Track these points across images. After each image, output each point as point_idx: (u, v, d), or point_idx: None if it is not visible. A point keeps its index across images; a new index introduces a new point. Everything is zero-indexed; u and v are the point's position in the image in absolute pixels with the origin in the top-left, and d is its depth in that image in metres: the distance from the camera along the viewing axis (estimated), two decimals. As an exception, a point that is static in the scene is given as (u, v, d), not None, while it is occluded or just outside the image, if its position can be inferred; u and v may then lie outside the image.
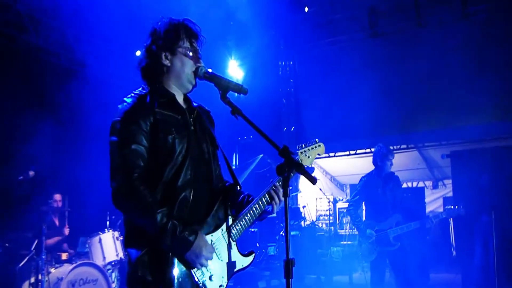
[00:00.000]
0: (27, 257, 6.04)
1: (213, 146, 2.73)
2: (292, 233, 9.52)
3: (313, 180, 2.21)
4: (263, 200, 2.66)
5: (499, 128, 11.05)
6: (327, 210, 13.50)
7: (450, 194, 11.54)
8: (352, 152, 13.93)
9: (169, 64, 2.59)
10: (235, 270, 2.60)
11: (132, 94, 2.54)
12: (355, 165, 14.91)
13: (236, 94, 2.59)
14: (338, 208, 13.54)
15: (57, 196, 7.32)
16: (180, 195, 2.42)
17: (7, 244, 6.27)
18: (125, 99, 2.52)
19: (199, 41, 2.74)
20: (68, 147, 7.88)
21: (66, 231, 7.11)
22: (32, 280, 5.80)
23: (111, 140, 2.42)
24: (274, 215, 2.77)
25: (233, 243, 2.62)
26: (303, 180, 13.67)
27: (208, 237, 2.48)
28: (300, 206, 11.72)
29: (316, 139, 3.15)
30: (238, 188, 2.72)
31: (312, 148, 3.09)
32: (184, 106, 2.65)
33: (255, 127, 2.39)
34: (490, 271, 5.53)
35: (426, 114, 11.77)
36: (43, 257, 5.77)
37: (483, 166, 8.62)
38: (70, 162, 7.84)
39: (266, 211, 2.68)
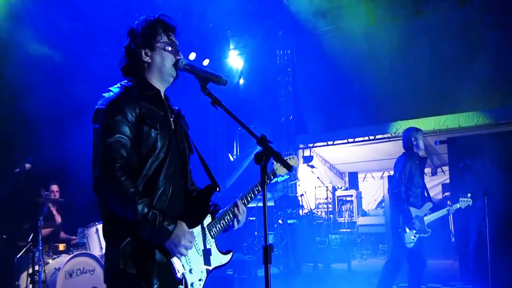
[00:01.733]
0: (24, 249, 6.08)
1: (189, 150, 2.77)
2: (290, 221, 9.57)
3: (289, 167, 2.25)
4: (229, 214, 2.78)
5: (495, 114, 11.07)
6: (326, 198, 13.55)
7: (448, 181, 11.58)
8: (350, 140, 13.94)
9: (149, 60, 2.62)
10: (213, 266, 2.68)
11: (119, 85, 2.56)
12: (353, 153, 14.96)
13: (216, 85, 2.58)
14: (337, 196, 13.60)
15: (54, 187, 7.39)
16: (160, 190, 2.45)
17: (4, 236, 6.34)
18: (111, 88, 2.54)
19: (176, 34, 2.77)
20: (65, 137, 7.91)
21: (58, 218, 7.22)
22: (30, 271, 5.85)
23: (94, 127, 2.43)
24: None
25: (212, 241, 2.69)
26: (301, 169, 13.72)
27: None
28: (298, 195, 11.77)
29: (289, 152, 3.33)
30: (218, 189, 2.76)
31: (288, 159, 3.22)
32: (165, 103, 2.69)
33: (233, 117, 2.41)
34: (484, 256, 5.56)
35: (424, 101, 11.80)
36: (40, 248, 5.82)
37: (479, 152, 8.65)
38: (67, 153, 7.90)
39: (229, 227, 2.82)
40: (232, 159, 14.77)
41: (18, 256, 6.13)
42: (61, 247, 6.71)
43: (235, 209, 2.78)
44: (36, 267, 5.81)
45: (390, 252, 6.14)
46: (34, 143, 7.90)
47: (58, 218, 7.32)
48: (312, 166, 12.29)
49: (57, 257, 6.35)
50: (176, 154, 2.61)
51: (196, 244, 2.57)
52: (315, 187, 14.17)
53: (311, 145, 14.60)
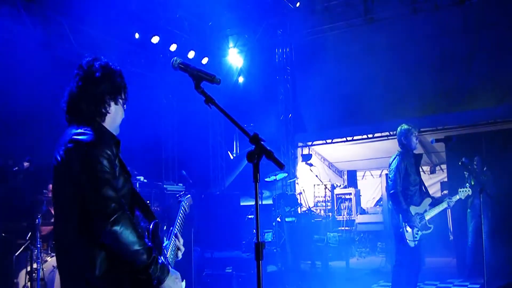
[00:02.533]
0: (23, 247, 6.11)
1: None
2: (288, 219, 9.58)
3: (281, 165, 2.27)
4: (173, 245, 2.98)
5: (493, 113, 11.11)
6: (324, 197, 13.59)
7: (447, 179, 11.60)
8: (349, 138, 13.98)
9: (110, 112, 2.58)
10: None
11: (88, 131, 2.40)
12: (352, 151, 15.00)
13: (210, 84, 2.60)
14: (336, 194, 13.63)
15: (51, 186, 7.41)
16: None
17: (3, 234, 6.37)
18: (85, 132, 2.39)
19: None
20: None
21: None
22: (28, 268, 5.88)
23: (82, 163, 2.31)
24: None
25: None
26: (300, 167, 13.76)
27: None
28: (297, 193, 11.80)
29: (184, 192, 3.81)
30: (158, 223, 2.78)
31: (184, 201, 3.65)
32: None
33: (227, 115, 2.43)
34: (480, 253, 5.58)
35: (422, 99, 11.82)
36: (39, 246, 5.85)
37: (477, 151, 8.69)
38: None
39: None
40: (231, 157, 14.79)
41: (16, 254, 6.16)
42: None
43: (176, 240, 2.99)
44: (35, 265, 5.84)
45: (395, 254, 6.10)
46: (32, 141, 7.92)
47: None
48: (311, 165, 12.32)
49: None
50: (133, 199, 2.63)
51: None
52: (314, 185, 14.21)
53: (309, 143, 14.63)
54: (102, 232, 2.23)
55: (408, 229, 5.72)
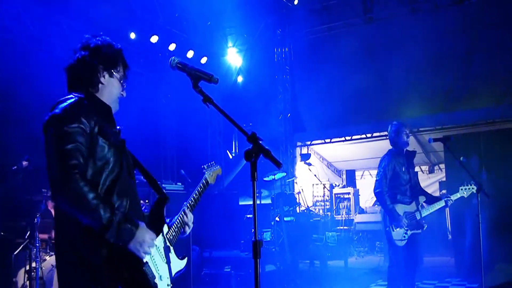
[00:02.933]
0: (21, 246, 6.12)
1: (134, 165, 2.83)
2: (286, 218, 9.60)
3: (279, 164, 2.29)
4: (178, 222, 2.93)
5: (492, 113, 11.13)
6: (323, 196, 13.61)
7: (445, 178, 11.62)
8: (348, 138, 13.99)
9: (104, 83, 2.65)
10: (175, 272, 2.79)
11: (72, 96, 2.54)
12: (351, 150, 15.02)
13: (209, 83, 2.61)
14: (335, 194, 13.64)
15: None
16: (116, 204, 2.48)
17: (2, 233, 6.37)
18: (67, 97, 2.53)
19: (127, 73, 2.80)
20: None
21: None
22: (27, 267, 5.88)
23: (49, 131, 2.41)
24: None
25: (171, 248, 2.81)
26: (299, 167, 13.77)
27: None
28: (296, 192, 11.81)
29: (213, 162, 3.51)
30: (167, 201, 2.86)
31: (212, 172, 3.43)
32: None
33: (225, 114, 2.45)
34: (478, 253, 5.59)
35: (420, 99, 11.84)
36: (37, 245, 5.86)
37: (475, 150, 8.71)
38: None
39: (182, 233, 2.96)
40: (230, 156, 14.80)
41: (15, 253, 6.16)
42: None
43: (184, 216, 2.95)
44: (34, 264, 5.85)
45: (388, 254, 6.10)
46: (31, 140, 7.92)
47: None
48: (310, 164, 12.33)
49: (54, 253, 6.38)
50: (128, 170, 2.65)
51: (160, 252, 2.68)
52: (313, 185, 14.23)
53: (308, 142, 14.65)
54: (55, 198, 2.38)
55: (395, 229, 5.71)
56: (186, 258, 2.91)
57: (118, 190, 2.49)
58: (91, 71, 2.63)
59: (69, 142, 2.34)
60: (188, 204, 3.03)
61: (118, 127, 2.72)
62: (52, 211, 7.39)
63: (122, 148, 2.62)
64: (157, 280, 2.51)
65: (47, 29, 9.13)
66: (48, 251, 6.44)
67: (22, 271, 6.13)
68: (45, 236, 6.44)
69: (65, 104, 2.46)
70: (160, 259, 2.64)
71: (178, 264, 2.84)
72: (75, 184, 2.28)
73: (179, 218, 2.91)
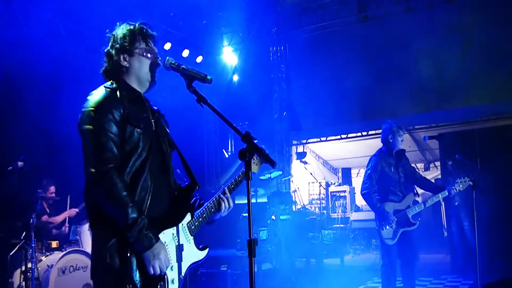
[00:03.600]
0: (17, 246, 6.12)
1: (170, 148, 2.87)
2: (282, 217, 9.61)
3: (273, 163, 2.31)
4: (212, 205, 2.85)
5: (486, 110, 11.18)
6: (319, 194, 13.63)
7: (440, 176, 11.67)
8: (343, 136, 14.01)
9: (127, 65, 2.71)
10: (191, 262, 2.76)
11: (102, 87, 2.63)
12: (347, 149, 15.05)
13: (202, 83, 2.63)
14: (331, 192, 13.67)
15: (52, 188, 7.43)
16: (141, 187, 2.53)
17: (-2, 234, 6.38)
18: (95, 91, 2.62)
19: (155, 41, 2.83)
20: (59, 134, 7.95)
21: (59, 218, 7.32)
22: (23, 268, 5.89)
23: (83, 129, 2.49)
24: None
25: (191, 238, 2.78)
26: (295, 165, 13.79)
27: (170, 231, 2.63)
28: (292, 191, 11.83)
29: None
30: (197, 187, 2.86)
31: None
32: (147, 105, 2.79)
33: (219, 114, 2.46)
34: (474, 250, 5.62)
35: (415, 97, 11.87)
36: (33, 245, 5.86)
37: (470, 148, 8.75)
38: (60, 150, 7.93)
39: (213, 219, 2.90)
40: (227, 155, 14.80)
41: (11, 253, 6.17)
42: (54, 244, 6.75)
43: (224, 196, 2.87)
44: (29, 264, 5.86)
45: (381, 254, 6.09)
46: (27, 140, 7.93)
47: (59, 218, 7.39)
48: (305, 162, 12.36)
49: (50, 254, 6.39)
50: (158, 153, 2.69)
51: (176, 241, 2.66)
52: (309, 183, 14.26)
53: (304, 141, 14.68)
54: (87, 190, 2.47)
55: (385, 227, 5.69)
56: (208, 249, 2.87)
57: (146, 174, 2.55)
58: (112, 60, 2.72)
59: (102, 135, 2.44)
60: (228, 185, 2.96)
61: (155, 108, 2.82)
62: (47, 211, 7.41)
63: (153, 131, 2.68)
64: (167, 270, 2.51)
65: (43, 29, 9.11)
66: (44, 251, 6.45)
67: (18, 271, 6.14)
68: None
69: (93, 97, 2.55)
70: (173, 249, 2.62)
71: (196, 255, 2.80)
72: (110, 178, 2.38)
73: (213, 201, 2.86)
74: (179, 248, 2.66)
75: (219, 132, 14.66)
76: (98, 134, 2.44)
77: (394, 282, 5.86)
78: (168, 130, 2.90)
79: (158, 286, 2.47)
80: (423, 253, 9.77)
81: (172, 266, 2.57)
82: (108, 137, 2.44)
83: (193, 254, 2.77)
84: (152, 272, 2.43)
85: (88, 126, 2.47)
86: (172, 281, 2.56)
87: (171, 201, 2.75)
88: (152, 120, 2.73)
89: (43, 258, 6.27)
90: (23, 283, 5.90)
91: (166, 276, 2.50)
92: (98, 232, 2.52)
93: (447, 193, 5.74)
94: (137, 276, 2.41)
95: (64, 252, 6.16)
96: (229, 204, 2.87)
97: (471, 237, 5.80)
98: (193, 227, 2.78)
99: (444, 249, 10.37)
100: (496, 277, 5.75)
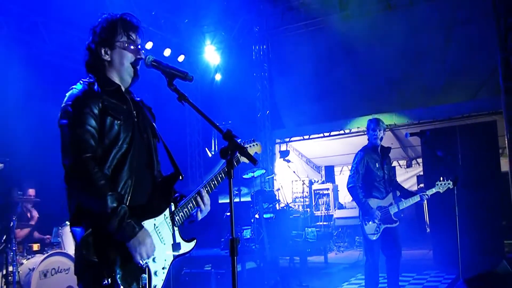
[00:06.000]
0: (-2, 249, 6.03)
1: (154, 138, 2.83)
2: (266, 215, 9.61)
3: (254, 161, 2.31)
4: (192, 203, 2.80)
5: (467, 107, 11.32)
6: (302, 192, 13.66)
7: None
8: (326, 134, 14.06)
9: (108, 59, 2.67)
10: (177, 254, 2.70)
11: (81, 81, 2.61)
12: (330, 147, 15.10)
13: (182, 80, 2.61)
14: (314, 190, 13.71)
15: (31, 191, 7.35)
16: (123, 180, 2.50)
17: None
18: (74, 86, 2.60)
19: (139, 33, 2.77)
20: (40, 137, 7.85)
21: (35, 216, 7.21)
22: (4, 272, 5.79)
23: (62, 123, 2.48)
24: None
25: (175, 228, 2.72)
26: (278, 164, 13.80)
27: (151, 221, 2.57)
28: (275, 189, 11.83)
29: (253, 139, 3.32)
30: (180, 178, 2.80)
31: (250, 146, 3.28)
32: (127, 97, 2.74)
33: (200, 112, 2.45)
34: (456, 245, 5.69)
35: (397, 95, 11.98)
36: (14, 248, 5.77)
37: (451, 144, 8.84)
38: (40, 151, 7.83)
39: (192, 216, 2.81)
40: (210, 154, 14.76)
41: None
42: (35, 247, 6.64)
43: (198, 197, 2.81)
44: (10, 268, 5.77)
45: (363, 250, 6.16)
46: (6, 142, 7.81)
47: (35, 216, 7.29)
48: (289, 161, 12.38)
49: (32, 257, 6.29)
50: (140, 145, 2.66)
51: (159, 233, 2.60)
52: (292, 181, 14.28)
53: (287, 139, 14.70)
54: (67, 181, 2.42)
55: (367, 223, 5.77)
56: (195, 240, 2.81)
57: (127, 167, 2.51)
58: (93, 52, 2.69)
59: (80, 127, 2.42)
60: (207, 184, 2.91)
61: (137, 99, 2.80)
62: (31, 212, 7.32)
63: (134, 123, 2.65)
64: (149, 262, 2.47)
65: (23, 28, 9.01)
66: (25, 254, 6.36)
67: (-1, 275, 6.03)
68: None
69: (71, 93, 2.55)
70: (157, 240, 2.56)
71: (182, 246, 2.74)
72: (87, 169, 2.35)
73: (192, 198, 2.80)
74: (162, 240, 2.61)
75: (202, 131, 14.61)
76: (74, 127, 2.42)
77: (377, 278, 5.92)
78: (153, 121, 2.86)
79: (141, 279, 2.43)
80: (405, 249, 9.86)
81: (154, 258, 2.51)
82: (85, 130, 2.42)
83: (177, 246, 2.71)
84: (139, 260, 2.39)
85: (65, 121, 2.46)
86: (156, 273, 2.50)
87: (153, 191, 2.70)
88: (134, 112, 2.69)
89: (25, 261, 6.17)
90: (4, 287, 5.80)
91: (148, 268, 2.46)
92: (75, 224, 2.47)
93: (419, 199, 5.86)
94: (116, 268, 2.35)
95: (45, 255, 6.07)
96: (203, 208, 2.82)
97: (453, 232, 5.87)
98: (176, 217, 2.72)
99: (426, 245, 10.47)
100: (478, 271, 5.81)
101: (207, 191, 2.88)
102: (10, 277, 5.75)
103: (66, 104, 2.50)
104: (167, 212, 2.69)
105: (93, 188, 2.34)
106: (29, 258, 6.25)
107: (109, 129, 2.50)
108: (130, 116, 2.65)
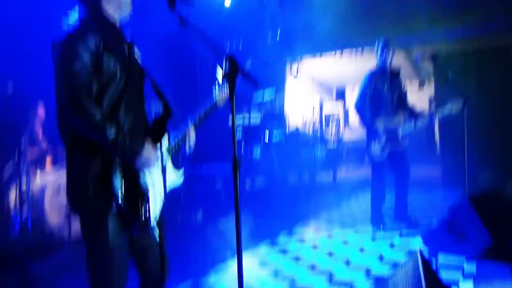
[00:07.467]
0: (10, 171, 6.11)
1: (143, 76, 2.77)
2: (275, 139, 9.61)
3: (255, 83, 2.31)
4: (184, 138, 2.90)
5: (481, 29, 10.97)
6: (312, 116, 13.67)
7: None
8: (338, 52, 13.77)
9: None
10: (170, 183, 2.79)
11: (77, 17, 2.55)
12: (342, 67, 14.87)
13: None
14: (324, 113, 13.70)
15: (41, 111, 7.34)
16: (122, 117, 2.49)
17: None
18: (69, 22, 2.54)
19: None
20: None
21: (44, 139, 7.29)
22: (18, 191, 5.91)
23: (55, 56, 2.44)
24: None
25: (169, 159, 2.81)
26: (289, 86, 13.71)
27: None
28: (285, 113, 11.81)
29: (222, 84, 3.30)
30: (171, 114, 2.81)
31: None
32: (122, 34, 2.69)
33: (201, 35, 2.42)
34: (463, 163, 5.74)
35: (409, 16, 11.61)
36: (25, 168, 5.86)
37: (464, 67, 8.69)
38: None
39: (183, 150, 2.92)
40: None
41: (4, 179, 6.14)
42: (47, 165, 6.72)
43: (186, 136, 2.91)
44: (23, 187, 5.88)
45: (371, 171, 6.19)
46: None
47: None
48: (300, 81, 12.24)
49: (43, 175, 6.38)
50: (134, 84, 2.62)
51: (157, 167, 2.68)
52: (302, 105, 14.25)
53: (299, 58, 14.45)
54: (67, 119, 2.38)
55: (374, 143, 5.80)
56: (183, 168, 2.91)
57: (124, 104, 2.50)
58: None
59: (74, 62, 2.36)
60: (193, 122, 2.98)
61: (126, 35, 2.73)
62: (39, 134, 7.37)
63: (128, 61, 2.60)
64: (149, 186, 2.53)
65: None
66: (37, 173, 6.46)
67: (12, 195, 6.17)
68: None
69: (67, 29, 2.48)
70: (157, 170, 2.65)
71: (174, 174, 2.84)
72: (82, 103, 2.32)
73: (182, 135, 2.90)
74: (159, 168, 2.68)
75: (211, 62, 14.37)
76: (69, 62, 2.36)
77: (383, 196, 6.02)
78: (138, 57, 2.80)
79: (139, 201, 2.47)
80: (414, 167, 9.97)
81: (154, 184, 2.58)
82: (80, 65, 2.36)
83: (171, 175, 2.81)
84: (145, 179, 2.49)
85: (59, 54, 2.42)
86: (155, 199, 2.57)
87: (147, 132, 2.71)
88: (126, 49, 2.64)
89: (37, 179, 6.28)
90: (18, 206, 5.94)
91: (148, 192, 2.51)
92: (75, 158, 2.48)
93: (428, 121, 5.85)
94: (118, 191, 2.39)
95: (57, 172, 6.17)
96: (190, 145, 2.92)
97: (461, 151, 5.86)
98: (171, 147, 2.81)
99: (436, 164, 10.56)
100: (484, 188, 5.87)
101: (194, 127, 2.96)
102: (24, 196, 5.88)
103: (61, 40, 2.43)
104: (163, 146, 2.75)
105: (92, 122, 2.33)
106: (41, 177, 6.35)
107: (106, 67, 2.44)
108: (125, 54, 2.60)
